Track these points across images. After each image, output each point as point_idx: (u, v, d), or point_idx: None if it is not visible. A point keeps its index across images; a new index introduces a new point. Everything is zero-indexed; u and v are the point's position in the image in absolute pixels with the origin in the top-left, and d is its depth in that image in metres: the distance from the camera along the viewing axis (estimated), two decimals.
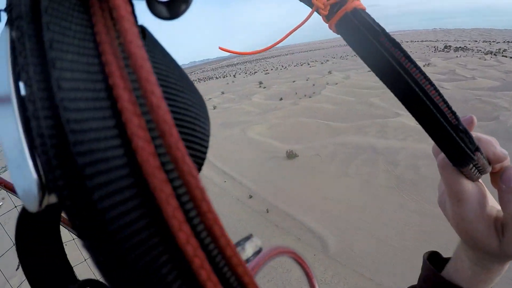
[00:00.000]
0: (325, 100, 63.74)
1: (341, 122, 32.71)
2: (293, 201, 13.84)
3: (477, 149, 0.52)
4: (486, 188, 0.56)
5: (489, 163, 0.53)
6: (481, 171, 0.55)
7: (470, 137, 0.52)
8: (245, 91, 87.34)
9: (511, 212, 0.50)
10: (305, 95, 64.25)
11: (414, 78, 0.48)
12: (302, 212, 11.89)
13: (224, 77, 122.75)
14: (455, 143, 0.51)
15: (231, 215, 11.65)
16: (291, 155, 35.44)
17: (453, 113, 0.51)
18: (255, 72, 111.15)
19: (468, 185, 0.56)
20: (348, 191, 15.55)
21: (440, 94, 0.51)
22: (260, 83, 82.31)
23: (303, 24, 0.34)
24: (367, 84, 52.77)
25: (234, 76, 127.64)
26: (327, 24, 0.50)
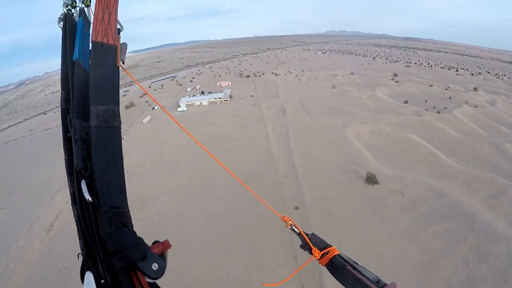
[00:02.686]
0: (453, 123, 57.64)
1: (454, 161, 30.89)
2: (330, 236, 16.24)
3: None
4: None
5: None
6: None
7: None
8: (374, 79, 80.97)
9: None
10: (434, 107, 57.54)
11: (360, 280, 1.51)
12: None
13: (363, 56, 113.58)
14: None
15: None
16: (370, 179, 35.86)
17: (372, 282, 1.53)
18: (397, 61, 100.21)
19: None
20: (400, 267, 16.39)
21: (365, 276, 1.52)
22: (395, 75, 75.39)
23: (303, 266, 2.76)
24: (510, 120, 45.58)
25: (373, 58, 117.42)
26: (318, 262, 1.91)
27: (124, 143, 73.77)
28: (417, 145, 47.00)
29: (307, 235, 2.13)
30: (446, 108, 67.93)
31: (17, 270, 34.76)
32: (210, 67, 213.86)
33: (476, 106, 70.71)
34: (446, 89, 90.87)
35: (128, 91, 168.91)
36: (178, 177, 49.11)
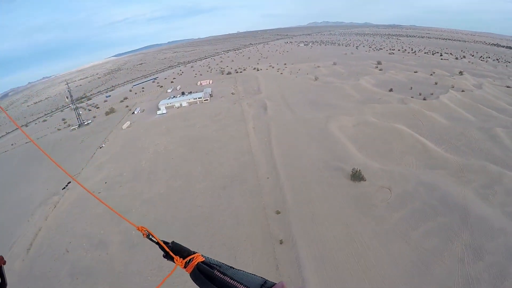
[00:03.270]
0: (440, 109, 54.97)
1: (444, 150, 28.90)
2: (314, 242, 13.75)
3: None
4: None
5: None
6: None
7: None
8: (358, 68, 78.33)
9: None
10: (419, 94, 55.68)
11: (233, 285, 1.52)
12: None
13: (346, 46, 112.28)
14: None
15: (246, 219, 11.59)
16: (356, 176, 32.36)
17: None
18: (380, 49, 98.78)
19: None
20: (391, 272, 14.82)
21: None
22: (379, 63, 73.06)
23: (168, 276, 1.86)
24: (498, 104, 43.39)
25: (356, 47, 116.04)
26: (184, 270, 1.72)
27: (102, 152, 70.17)
28: (404, 135, 44.90)
29: (166, 243, 2.00)
30: (432, 94, 66.13)
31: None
32: (192, 66, 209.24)
33: (462, 91, 69.13)
34: (431, 75, 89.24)
35: (109, 96, 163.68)
36: (157, 185, 46.15)
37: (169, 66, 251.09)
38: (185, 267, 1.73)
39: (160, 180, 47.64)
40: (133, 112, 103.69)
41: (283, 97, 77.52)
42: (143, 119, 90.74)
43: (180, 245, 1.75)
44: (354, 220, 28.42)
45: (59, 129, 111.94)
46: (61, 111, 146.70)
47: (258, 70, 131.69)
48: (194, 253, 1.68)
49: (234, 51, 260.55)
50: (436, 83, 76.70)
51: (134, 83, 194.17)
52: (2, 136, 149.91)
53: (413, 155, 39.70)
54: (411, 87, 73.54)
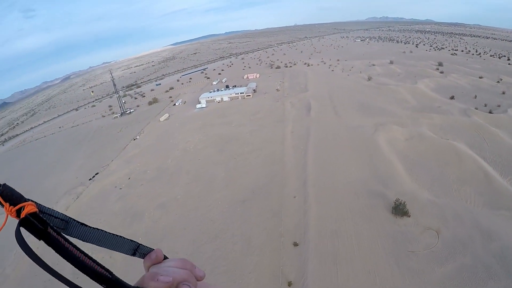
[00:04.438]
0: (509, 126, 46.53)
1: (511, 183, 23.82)
2: None
3: None
4: None
5: None
6: None
7: (123, 284, 1.01)
8: (416, 68, 71.32)
9: None
10: (485, 105, 48.09)
11: (71, 254, 0.96)
12: None
13: (405, 43, 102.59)
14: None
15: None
16: (399, 209, 28.53)
17: (106, 270, 1.00)
18: (442, 49, 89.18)
19: None
20: None
21: (93, 260, 0.99)
22: (440, 64, 66.11)
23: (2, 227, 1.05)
24: None
25: (416, 45, 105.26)
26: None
27: (135, 144, 71.49)
28: (464, 158, 37.52)
29: None
30: (499, 106, 56.14)
31: (10, 276, 35.21)
32: (242, 58, 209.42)
33: None
34: (498, 82, 76.66)
35: (159, 84, 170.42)
36: (176, 188, 44.71)
37: (221, 57, 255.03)
38: (18, 216, 1.13)
39: (180, 182, 46.15)
40: (175, 104, 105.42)
41: (331, 97, 71.71)
42: (182, 112, 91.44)
43: (12, 189, 1.16)
44: (385, 269, 23.13)
45: (103, 116, 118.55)
46: (110, 97, 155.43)
47: (308, 65, 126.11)
48: (27, 200, 1.13)
49: (288, 44, 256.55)
50: (503, 93, 65.22)
51: (183, 73, 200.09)
52: (54, 118, 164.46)
53: (473, 186, 32.47)
54: (475, 96, 63.34)
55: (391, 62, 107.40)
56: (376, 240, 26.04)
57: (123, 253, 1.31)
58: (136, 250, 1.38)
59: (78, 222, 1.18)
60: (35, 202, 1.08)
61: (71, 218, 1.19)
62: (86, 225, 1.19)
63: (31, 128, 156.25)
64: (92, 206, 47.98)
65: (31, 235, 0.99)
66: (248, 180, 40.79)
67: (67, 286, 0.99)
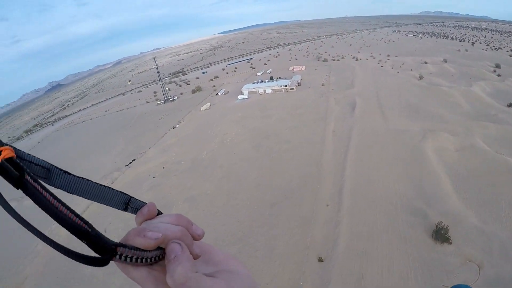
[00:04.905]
0: None
1: None
2: None
3: (121, 245, 0.89)
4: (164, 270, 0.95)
5: (154, 250, 0.94)
6: (141, 259, 0.93)
7: (103, 239, 0.88)
8: (471, 69, 65.29)
9: (169, 282, 0.87)
10: None
11: (49, 204, 0.84)
12: None
13: (460, 41, 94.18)
14: (91, 244, 0.87)
15: None
16: (440, 235, 27.54)
17: (86, 222, 0.89)
18: (500, 49, 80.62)
19: (134, 272, 0.96)
20: None
21: (72, 211, 0.88)
22: (497, 66, 60.55)
23: None
24: None
25: (472, 43, 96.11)
26: None
27: (173, 133, 72.73)
28: None
29: None
30: None
31: (41, 252, 36.97)
32: (290, 49, 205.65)
33: None
34: None
35: (206, 72, 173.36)
36: (208, 182, 44.30)
37: (268, 47, 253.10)
38: None
39: (213, 177, 45.68)
40: (217, 93, 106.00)
41: (378, 96, 66.83)
42: (224, 102, 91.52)
43: None
44: None
45: (147, 102, 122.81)
46: (156, 83, 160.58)
47: (357, 59, 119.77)
48: (3, 145, 0.96)
49: (337, 36, 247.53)
50: None
51: (229, 62, 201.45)
52: (101, 101, 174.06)
53: None
54: None
55: (445, 61, 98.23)
56: (409, 266, 23.09)
57: (113, 207, 1.18)
58: (128, 204, 1.22)
59: (61, 170, 1.06)
60: (13, 147, 0.93)
61: (53, 165, 1.05)
62: (71, 174, 1.07)
63: (80, 110, 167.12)
64: (126, 192, 49.30)
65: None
66: (281, 181, 39.05)
67: (43, 241, 0.90)
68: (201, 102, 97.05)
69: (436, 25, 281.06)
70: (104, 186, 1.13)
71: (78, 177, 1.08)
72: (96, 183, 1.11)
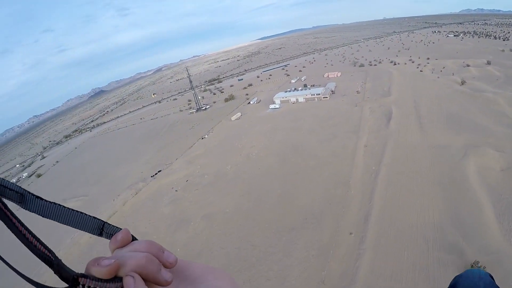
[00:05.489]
0: None
1: None
2: None
3: (82, 275, 0.90)
4: None
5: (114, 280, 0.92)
6: None
7: (65, 269, 0.91)
8: None
9: None
10: None
11: (17, 230, 0.91)
12: None
13: (504, 40, 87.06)
14: (56, 272, 0.90)
15: None
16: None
17: (49, 251, 0.93)
18: None
19: None
20: None
21: (36, 238, 0.93)
22: None
23: None
24: None
25: None
26: None
27: (202, 143, 72.63)
28: None
29: None
30: None
31: (81, 242, 40.08)
32: (326, 54, 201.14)
33: None
34: None
35: (242, 79, 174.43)
36: (228, 199, 42.97)
37: (304, 53, 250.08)
38: None
39: (234, 194, 44.21)
40: (249, 102, 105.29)
41: (416, 104, 61.58)
42: (255, 112, 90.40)
43: None
44: None
45: (181, 110, 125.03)
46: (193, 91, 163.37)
47: (395, 64, 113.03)
48: None
49: (375, 40, 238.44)
50: None
51: (265, 69, 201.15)
52: (138, 109, 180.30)
53: None
54: None
55: (488, 63, 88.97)
56: None
57: (88, 232, 1.19)
58: (102, 229, 1.22)
59: (34, 195, 1.10)
60: None
61: (26, 190, 1.09)
62: (43, 199, 1.11)
63: (117, 117, 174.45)
64: (147, 205, 49.36)
65: None
66: (304, 202, 36.63)
67: (12, 269, 0.97)
68: (233, 111, 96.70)
69: (478, 24, 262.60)
70: (77, 211, 1.15)
71: (50, 202, 1.10)
72: (68, 208, 1.13)
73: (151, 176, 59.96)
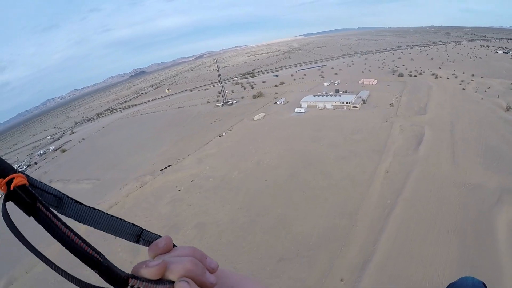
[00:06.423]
0: None
1: None
2: None
3: (132, 276, 0.91)
4: None
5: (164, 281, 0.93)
6: None
7: (115, 270, 0.90)
8: None
9: None
10: None
11: (61, 232, 0.88)
12: None
13: None
14: (102, 274, 0.89)
15: None
16: None
17: (98, 252, 0.92)
18: None
19: None
20: None
21: (83, 240, 0.91)
22: None
23: None
24: None
25: None
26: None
27: (217, 141, 70.32)
28: None
29: None
30: None
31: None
32: (366, 58, 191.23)
33: None
34: None
35: (277, 75, 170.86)
36: (225, 210, 40.29)
37: (344, 55, 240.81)
38: (8, 189, 1.03)
39: (232, 205, 41.36)
40: (276, 102, 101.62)
41: (453, 128, 54.72)
42: (279, 113, 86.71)
43: (2, 160, 1.06)
44: None
45: (208, 102, 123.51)
46: (225, 83, 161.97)
47: (436, 77, 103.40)
48: (17, 172, 1.02)
49: (419, 48, 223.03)
50: None
51: (300, 67, 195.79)
52: (172, 95, 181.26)
53: None
54: None
55: None
56: None
57: (125, 239, 1.19)
58: (140, 236, 1.21)
59: (73, 199, 1.09)
60: (26, 175, 0.99)
61: (64, 194, 1.09)
62: (82, 204, 1.11)
63: (148, 101, 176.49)
64: (148, 200, 47.79)
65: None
66: (301, 230, 33.04)
67: (52, 268, 0.90)
68: (257, 110, 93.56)
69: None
70: (116, 217, 1.14)
71: (89, 207, 1.09)
72: (107, 214, 1.12)
73: (160, 170, 58.52)
